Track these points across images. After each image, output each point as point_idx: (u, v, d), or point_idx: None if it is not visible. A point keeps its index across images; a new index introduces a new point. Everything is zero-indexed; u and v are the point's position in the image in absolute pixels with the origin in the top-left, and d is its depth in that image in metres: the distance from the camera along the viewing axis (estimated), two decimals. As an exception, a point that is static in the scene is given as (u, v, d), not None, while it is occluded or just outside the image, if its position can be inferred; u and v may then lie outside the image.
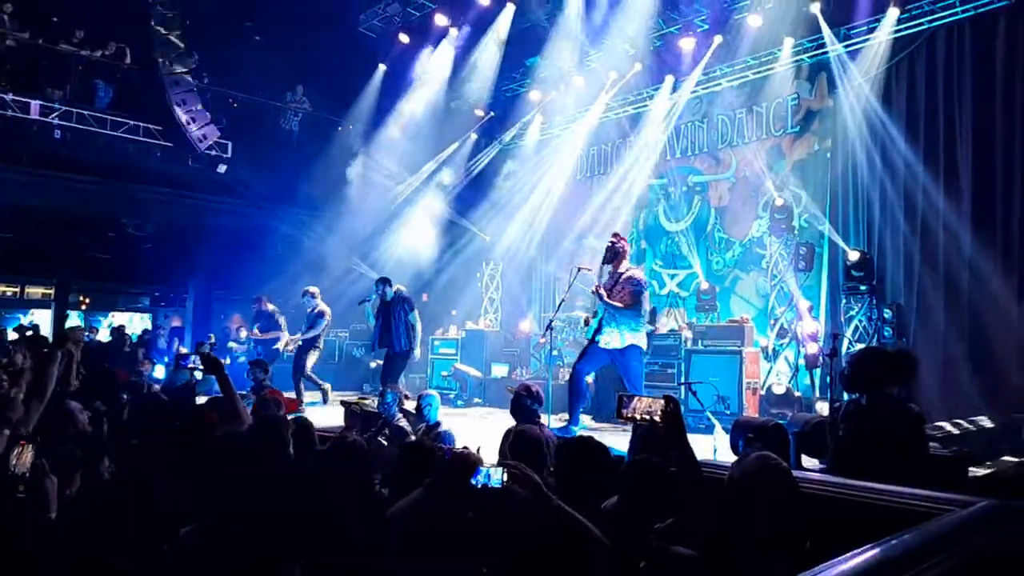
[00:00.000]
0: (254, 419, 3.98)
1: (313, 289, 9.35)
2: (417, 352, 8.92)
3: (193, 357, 4.06)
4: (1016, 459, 5.37)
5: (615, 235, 6.74)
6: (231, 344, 11.84)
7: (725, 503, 2.14)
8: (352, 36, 12.57)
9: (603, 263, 6.63)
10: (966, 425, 5.86)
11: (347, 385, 12.40)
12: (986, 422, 6.06)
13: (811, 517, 2.11)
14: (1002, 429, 6.02)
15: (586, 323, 6.70)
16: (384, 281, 8.73)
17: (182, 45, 11.23)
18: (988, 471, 4.44)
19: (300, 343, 9.14)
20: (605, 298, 6.33)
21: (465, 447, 2.29)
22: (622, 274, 6.49)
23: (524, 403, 4.61)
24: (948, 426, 5.77)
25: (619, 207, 11.85)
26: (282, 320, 10.00)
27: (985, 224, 7.46)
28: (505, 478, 2.12)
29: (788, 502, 2.05)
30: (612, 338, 6.36)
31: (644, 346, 6.62)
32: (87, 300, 13.70)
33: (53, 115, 10.73)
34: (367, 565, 2.26)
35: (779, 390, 8.42)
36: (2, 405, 3.18)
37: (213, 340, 8.78)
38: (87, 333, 11.64)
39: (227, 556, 2.28)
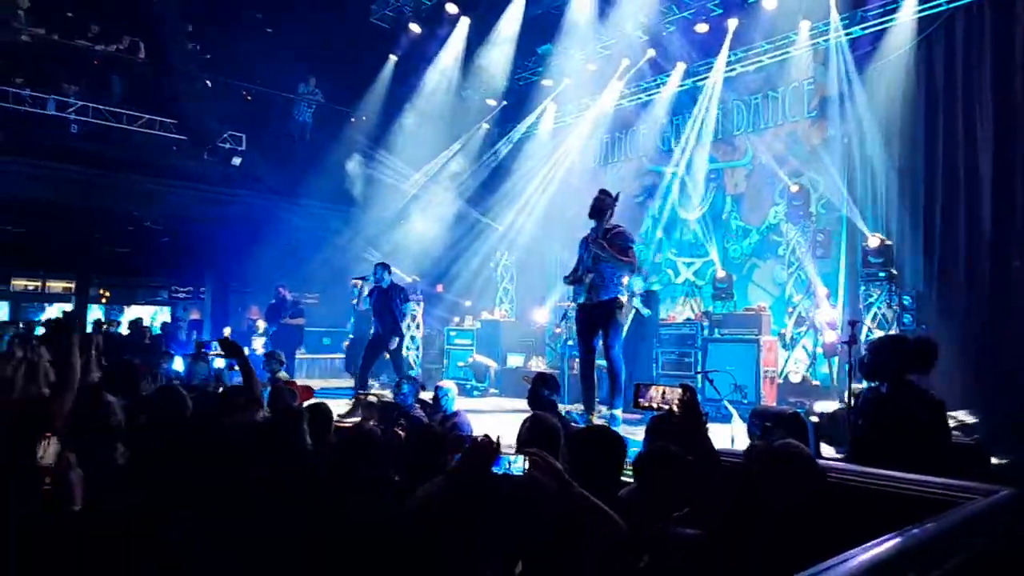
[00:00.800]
0: (270, 409, 4.02)
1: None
2: (402, 344, 8.81)
3: (213, 344, 4.09)
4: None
5: (601, 191, 6.41)
6: (254, 339, 11.95)
7: (746, 488, 2.14)
8: (363, 27, 12.56)
9: (589, 216, 6.25)
10: (982, 414, 5.79)
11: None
12: (1006, 411, 6.00)
13: (832, 505, 2.10)
14: (1018, 419, 5.95)
15: (574, 281, 6.27)
16: (384, 267, 8.52)
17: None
18: (1009, 460, 4.39)
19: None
20: (605, 247, 6.00)
21: (486, 435, 2.28)
22: (609, 229, 6.22)
23: (541, 393, 4.62)
24: (968, 415, 5.71)
25: (633, 194, 11.79)
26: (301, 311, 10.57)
27: (1007, 209, 7.33)
28: (527, 466, 2.12)
29: (811, 488, 2.04)
30: (599, 294, 6.08)
31: (624, 301, 6.31)
32: (107, 294, 13.87)
33: (69, 110, 10.84)
34: (383, 556, 2.27)
35: (797, 379, 8.37)
36: (42, 409, 3.22)
37: (229, 333, 8.91)
38: (107, 326, 11.78)
39: (237, 549, 2.30)
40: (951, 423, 4.61)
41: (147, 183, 11.79)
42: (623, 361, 6.21)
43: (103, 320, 12.63)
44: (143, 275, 13.52)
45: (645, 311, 8.81)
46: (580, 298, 6.25)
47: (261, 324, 12.28)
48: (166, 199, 12.19)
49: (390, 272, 8.56)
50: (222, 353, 3.91)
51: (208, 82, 11.49)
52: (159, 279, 13.73)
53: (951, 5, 8.01)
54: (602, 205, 6.24)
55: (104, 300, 13.88)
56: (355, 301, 8.64)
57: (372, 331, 8.44)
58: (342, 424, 5.65)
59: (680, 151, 11.19)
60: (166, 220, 12.58)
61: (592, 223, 6.23)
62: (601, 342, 6.16)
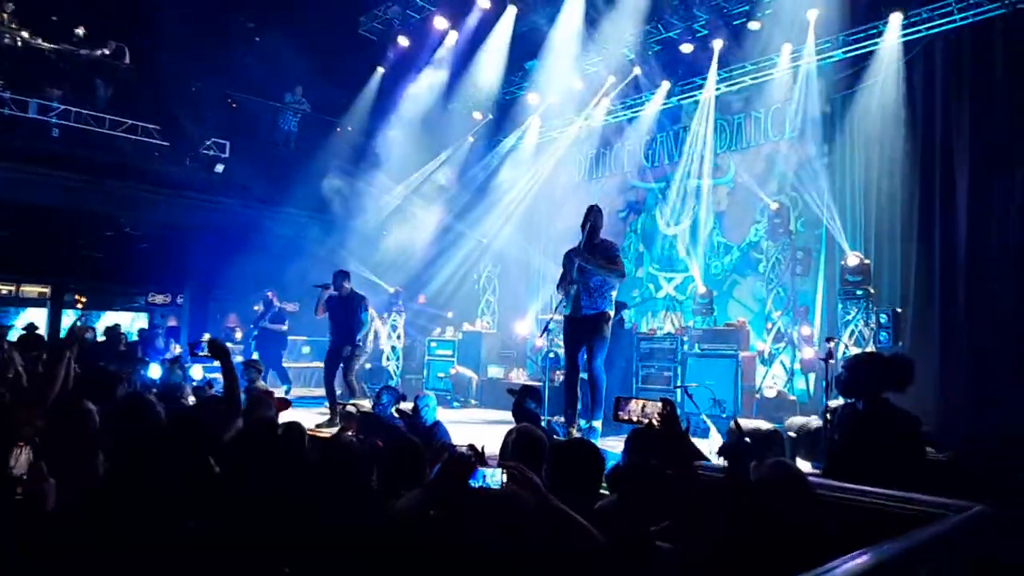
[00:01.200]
0: (247, 418, 3.97)
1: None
2: (362, 354, 8.51)
3: (203, 345, 4.01)
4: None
5: (592, 206, 6.38)
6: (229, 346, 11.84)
7: (738, 508, 2.15)
8: (352, 38, 12.58)
9: (581, 227, 6.24)
10: (956, 431, 5.87)
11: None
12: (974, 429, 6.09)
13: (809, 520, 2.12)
14: (990, 437, 6.04)
15: (563, 289, 6.21)
16: (344, 275, 8.37)
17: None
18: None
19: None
20: (589, 258, 6.01)
21: (471, 445, 2.27)
22: (595, 244, 6.23)
23: (526, 405, 4.62)
24: (936, 435, 5.78)
25: (617, 210, 11.88)
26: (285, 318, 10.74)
27: (982, 232, 7.48)
28: (504, 479, 2.12)
29: (805, 508, 2.06)
30: (584, 306, 6.09)
31: (612, 314, 6.25)
32: (83, 299, 13.66)
33: (51, 113, 10.73)
34: (364, 566, 2.25)
35: (774, 394, 8.43)
36: (18, 421, 3.16)
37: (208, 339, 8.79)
38: (87, 332, 11.62)
39: (225, 556, 2.27)
40: (931, 440, 4.67)
41: (128, 188, 11.67)
42: (604, 374, 6.22)
43: (82, 326, 12.45)
44: (120, 281, 13.34)
45: (628, 321, 8.75)
46: (566, 310, 6.26)
47: (239, 333, 12.18)
48: (147, 205, 12.07)
49: (349, 280, 8.44)
50: (208, 355, 3.84)
51: (193, 88, 11.42)
52: (137, 285, 13.56)
53: (931, 32, 8.20)
54: (595, 221, 6.25)
55: (80, 305, 13.68)
56: (315, 309, 8.58)
57: (329, 341, 8.27)
58: (318, 434, 5.61)
59: (661, 168, 11.32)
60: (146, 226, 12.45)
61: (580, 237, 6.24)
62: (585, 355, 6.18)
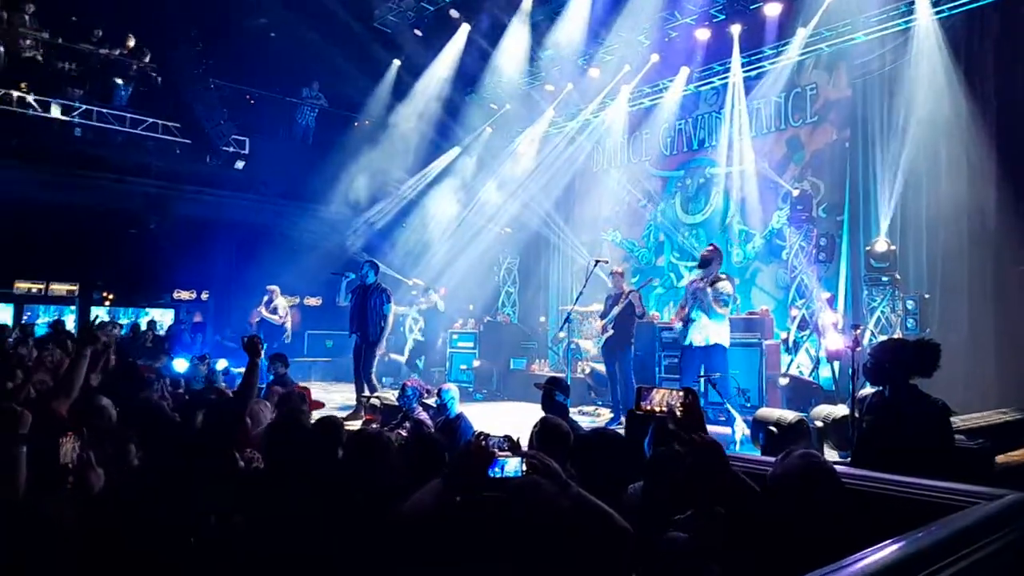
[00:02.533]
0: (278, 413, 4.02)
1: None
2: (381, 347, 8.54)
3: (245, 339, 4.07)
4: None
5: (711, 244, 7.72)
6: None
7: (766, 500, 2.13)
8: (367, 31, 12.59)
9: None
10: (991, 418, 5.76)
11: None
12: (1011, 415, 5.96)
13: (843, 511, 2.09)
14: (1020, 423, 5.92)
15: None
16: (372, 264, 8.40)
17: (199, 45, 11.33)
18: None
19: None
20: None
21: (507, 436, 2.27)
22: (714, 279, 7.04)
23: (555, 397, 4.64)
24: (972, 419, 5.68)
25: (637, 199, 11.82)
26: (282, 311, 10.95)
27: (1011, 213, 7.31)
28: (524, 468, 2.12)
29: (833, 500, 2.04)
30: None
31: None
32: (111, 296, 13.88)
33: (74, 113, 10.88)
34: (391, 559, 2.27)
35: (800, 382, 8.34)
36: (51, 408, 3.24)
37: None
38: (114, 328, 11.81)
39: (254, 551, 2.30)
40: (961, 426, 4.61)
41: (151, 186, 11.81)
42: None
43: (110, 322, 12.67)
44: (146, 278, 13.53)
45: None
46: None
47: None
48: (170, 202, 12.21)
49: (377, 271, 8.45)
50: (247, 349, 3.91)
51: (212, 85, 11.51)
52: (162, 282, 13.75)
53: (954, 11, 7.99)
54: (706, 258, 7.08)
55: (107, 303, 13.90)
56: (338, 298, 8.62)
57: (358, 332, 8.20)
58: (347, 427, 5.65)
59: (681, 156, 11.22)
60: (170, 223, 12.60)
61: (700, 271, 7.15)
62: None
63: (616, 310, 7.91)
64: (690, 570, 2.00)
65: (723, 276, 7.09)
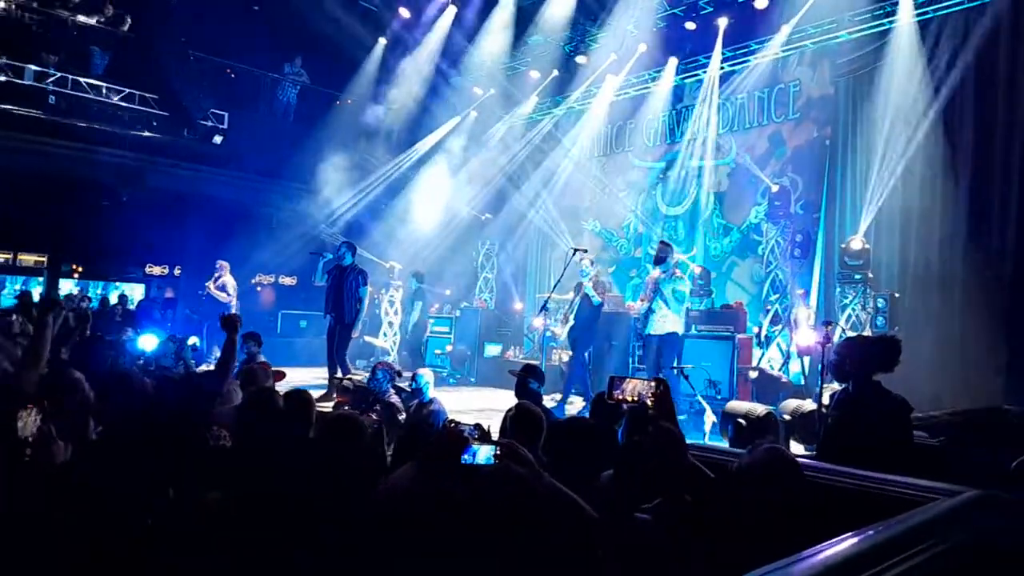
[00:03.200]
0: (245, 390, 3.98)
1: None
2: (356, 329, 8.58)
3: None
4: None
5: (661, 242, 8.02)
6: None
7: (731, 491, 2.15)
8: (353, 9, 12.41)
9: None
10: (945, 417, 5.88)
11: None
12: (963, 415, 6.10)
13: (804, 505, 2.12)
14: (979, 422, 6.05)
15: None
16: (349, 246, 8.35)
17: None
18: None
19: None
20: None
21: (478, 424, 2.27)
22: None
23: (529, 384, 4.66)
24: (934, 416, 5.80)
25: (618, 190, 11.84)
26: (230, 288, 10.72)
27: (982, 218, 7.45)
28: (496, 455, 2.12)
29: (794, 493, 2.07)
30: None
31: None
32: (80, 269, 13.63)
33: (48, 81, 10.60)
34: (362, 544, 2.26)
35: (770, 376, 8.44)
36: (15, 381, 3.17)
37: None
38: (81, 302, 11.59)
39: (220, 531, 2.28)
40: (921, 423, 4.69)
41: (125, 158, 11.58)
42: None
43: (77, 295, 12.43)
44: (118, 251, 13.29)
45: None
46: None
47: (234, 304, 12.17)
48: (144, 175, 11.99)
49: (354, 252, 8.38)
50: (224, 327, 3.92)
51: (192, 57, 11.28)
52: (134, 256, 13.52)
53: (938, 13, 8.07)
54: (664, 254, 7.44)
55: (76, 275, 13.65)
56: (315, 278, 8.59)
57: (333, 314, 8.14)
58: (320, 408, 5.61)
59: (663, 148, 11.25)
60: (144, 196, 12.37)
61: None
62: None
63: (577, 300, 8.14)
64: (652, 550, 2.02)
65: (682, 275, 7.64)
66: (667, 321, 7.38)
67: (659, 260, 7.55)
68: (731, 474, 2.23)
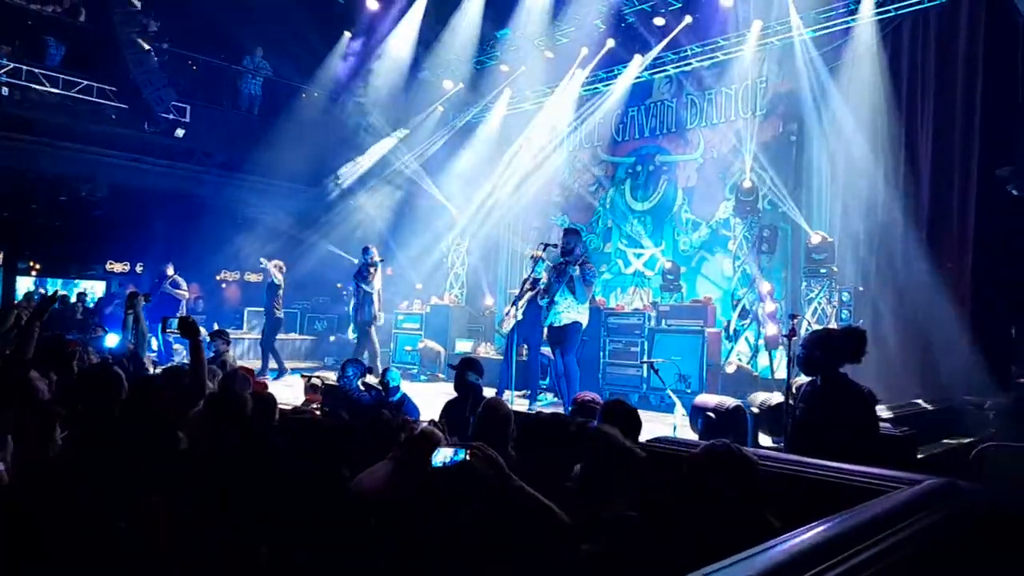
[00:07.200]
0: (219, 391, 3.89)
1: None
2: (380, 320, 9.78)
3: (172, 322, 3.93)
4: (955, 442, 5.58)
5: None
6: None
7: (686, 487, 2.16)
8: (319, 1, 12.24)
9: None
10: (909, 408, 6.02)
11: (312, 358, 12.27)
12: (926, 406, 6.24)
13: (767, 494, 2.14)
14: (941, 413, 6.21)
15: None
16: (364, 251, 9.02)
17: (138, 5, 10.79)
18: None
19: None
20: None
21: (433, 420, 2.25)
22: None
23: (467, 378, 4.67)
24: (897, 408, 5.93)
25: (586, 185, 11.87)
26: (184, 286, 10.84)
27: (943, 212, 7.62)
28: (467, 458, 2.10)
29: (748, 490, 2.08)
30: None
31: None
32: (37, 266, 13.26)
33: (1, 72, 10.27)
34: (333, 542, 2.23)
35: (739, 370, 8.55)
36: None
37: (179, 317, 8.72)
38: (56, 301, 11.30)
39: (189, 533, 2.22)
40: (885, 415, 4.79)
41: (84, 152, 11.27)
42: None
43: (49, 294, 12.10)
44: (77, 248, 12.96)
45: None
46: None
47: (201, 303, 11.95)
48: (104, 169, 11.69)
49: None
50: (178, 333, 3.78)
51: (151, 49, 11.00)
52: (94, 253, 13.19)
53: (900, 11, 8.24)
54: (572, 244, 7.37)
55: (34, 272, 13.28)
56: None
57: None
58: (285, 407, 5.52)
59: (631, 143, 11.30)
60: (104, 191, 12.07)
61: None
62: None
63: (528, 295, 8.04)
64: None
65: (590, 264, 7.53)
66: (571, 311, 7.34)
67: (567, 251, 7.41)
68: (687, 471, 2.23)
